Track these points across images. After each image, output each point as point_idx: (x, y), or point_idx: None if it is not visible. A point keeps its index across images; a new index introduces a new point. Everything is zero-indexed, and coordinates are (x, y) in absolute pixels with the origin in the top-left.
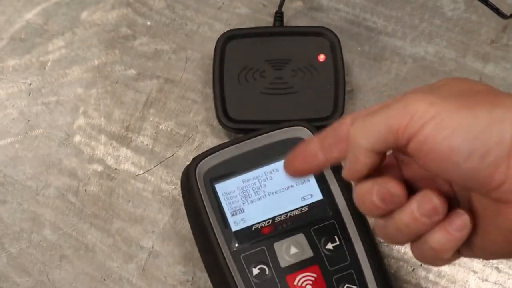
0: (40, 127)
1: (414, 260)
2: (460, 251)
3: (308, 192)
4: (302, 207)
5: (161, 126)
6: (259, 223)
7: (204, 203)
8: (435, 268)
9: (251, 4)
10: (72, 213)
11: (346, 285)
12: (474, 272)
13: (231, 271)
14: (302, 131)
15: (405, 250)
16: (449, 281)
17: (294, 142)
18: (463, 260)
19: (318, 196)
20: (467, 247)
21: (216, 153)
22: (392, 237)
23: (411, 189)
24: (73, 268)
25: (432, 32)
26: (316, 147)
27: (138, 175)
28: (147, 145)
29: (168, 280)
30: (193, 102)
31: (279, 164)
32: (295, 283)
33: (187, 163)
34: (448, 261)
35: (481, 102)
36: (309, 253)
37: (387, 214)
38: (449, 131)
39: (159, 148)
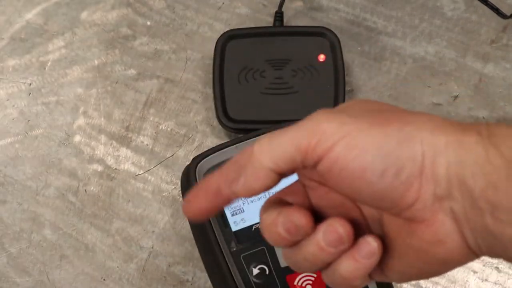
0: (40, 127)
1: None
2: (372, 275)
3: None
4: None
5: (161, 126)
6: (259, 223)
7: None
8: None
9: (251, 4)
10: (72, 213)
11: None
12: (474, 272)
13: (231, 271)
14: None
15: None
16: (449, 281)
17: None
18: None
19: None
20: (380, 271)
21: (216, 153)
22: (300, 266)
23: (319, 217)
24: (73, 268)
25: (432, 32)
26: (218, 181)
27: (138, 175)
28: (147, 145)
29: (168, 280)
30: (193, 102)
31: None
32: (295, 283)
33: (187, 163)
34: (360, 286)
35: (392, 121)
36: None
37: (293, 244)
38: (361, 149)
39: (159, 148)
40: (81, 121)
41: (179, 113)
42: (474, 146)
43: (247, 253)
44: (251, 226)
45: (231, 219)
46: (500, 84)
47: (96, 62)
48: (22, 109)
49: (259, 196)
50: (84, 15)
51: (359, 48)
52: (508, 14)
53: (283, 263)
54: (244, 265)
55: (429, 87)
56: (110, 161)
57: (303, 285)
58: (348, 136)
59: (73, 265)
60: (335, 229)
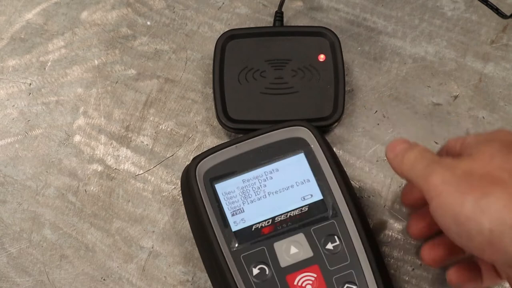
0: (40, 127)
1: (414, 260)
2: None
3: (308, 192)
4: (302, 207)
5: (161, 126)
6: (259, 223)
7: (204, 203)
8: (435, 268)
9: (251, 4)
10: (72, 213)
11: (346, 285)
12: None
13: (231, 271)
14: (302, 131)
15: (405, 250)
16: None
17: (294, 142)
18: None
19: (318, 196)
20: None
21: (216, 153)
22: None
23: None
24: (73, 268)
25: (432, 32)
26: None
27: (138, 175)
28: (147, 145)
29: (168, 280)
30: (193, 102)
31: (279, 164)
32: (295, 283)
33: (187, 163)
34: None
35: (476, 188)
36: (309, 253)
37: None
38: (443, 211)
39: (159, 148)
40: (81, 121)
41: (179, 113)
42: None
43: (247, 253)
44: (251, 226)
45: (231, 219)
46: (500, 84)
47: (96, 62)
48: (22, 109)
49: (259, 196)
50: (84, 15)
51: (359, 48)
52: (508, 14)
53: (283, 263)
54: (244, 265)
55: (429, 87)
56: (110, 161)
57: (303, 285)
58: (440, 196)
59: (73, 265)
60: None
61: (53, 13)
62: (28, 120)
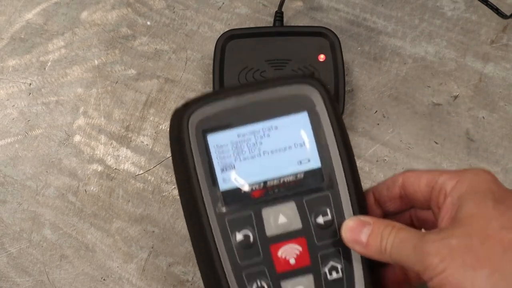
0: (40, 127)
1: None
2: None
3: (306, 156)
4: (297, 173)
5: (161, 126)
6: (250, 184)
7: (194, 155)
8: None
9: (251, 4)
10: (72, 213)
11: (331, 263)
12: None
13: (214, 234)
14: (309, 90)
15: None
16: None
17: (299, 99)
18: None
19: (316, 163)
20: None
21: (212, 102)
22: None
23: None
24: (73, 268)
25: (432, 32)
26: (370, 196)
27: (138, 175)
28: (147, 145)
29: (168, 280)
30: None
31: (279, 121)
32: (279, 254)
33: None
34: None
35: (485, 262)
36: (297, 224)
37: None
38: None
39: (159, 148)
40: (81, 121)
41: None
42: None
43: (232, 216)
44: (240, 188)
45: (220, 176)
46: (500, 84)
47: (96, 62)
48: (22, 109)
49: (253, 154)
50: (84, 15)
51: (359, 48)
52: (508, 14)
53: (269, 231)
54: (228, 229)
55: (429, 87)
56: (110, 161)
57: (286, 257)
58: (444, 273)
59: (73, 265)
60: None
61: (53, 13)
62: (28, 120)
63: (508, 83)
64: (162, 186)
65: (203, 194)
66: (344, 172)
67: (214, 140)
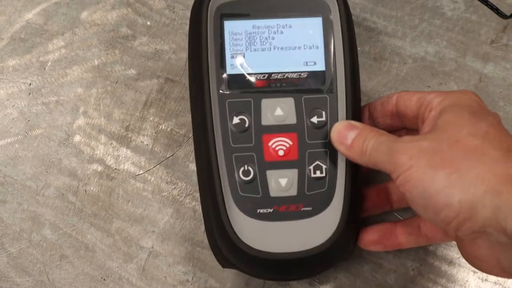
0: (40, 127)
1: (414, 260)
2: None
3: (312, 58)
4: (301, 72)
5: (161, 126)
6: (255, 74)
7: (208, 35)
8: (435, 268)
9: None
10: (72, 213)
11: (317, 162)
12: (474, 272)
13: (213, 112)
14: None
15: (405, 250)
16: (449, 281)
17: (317, 4)
18: (463, 260)
19: (321, 66)
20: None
21: None
22: None
23: None
24: (73, 268)
25: (432, 32)
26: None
27: (138, 175)
28: (147, 145)
29: (168, 280)
30: None
31: (294, 21)
32: (269, 143)
33: (187, 163)
34: None
35: (448, 163)
36: (292, 119)
37: None
38: (410, 186)
39: (159, 148)
40: (81, 121)
41: (179, 113)
42: (510, 195)
43: (233, 99)
44: (245, 75)
45: (228, 61)
46: (500, 84)
47: (96, 62)
48: (22, 109)
49: (263, 47)
50: (84, 15)
51: (359, 48)
52: (508, 14)
53: (264, 121)
54: (227, 110)
55: (429, 87)
56: (110, 161)
57: (276, 148)
58: (409, 170)
59: (73, 265)
60: None
61: (53, 13)
62: (28, 120)
63: (508, 83)
64: (162, 186)
65: (209, 74)
66: (345, 79)
67: (230, 26)
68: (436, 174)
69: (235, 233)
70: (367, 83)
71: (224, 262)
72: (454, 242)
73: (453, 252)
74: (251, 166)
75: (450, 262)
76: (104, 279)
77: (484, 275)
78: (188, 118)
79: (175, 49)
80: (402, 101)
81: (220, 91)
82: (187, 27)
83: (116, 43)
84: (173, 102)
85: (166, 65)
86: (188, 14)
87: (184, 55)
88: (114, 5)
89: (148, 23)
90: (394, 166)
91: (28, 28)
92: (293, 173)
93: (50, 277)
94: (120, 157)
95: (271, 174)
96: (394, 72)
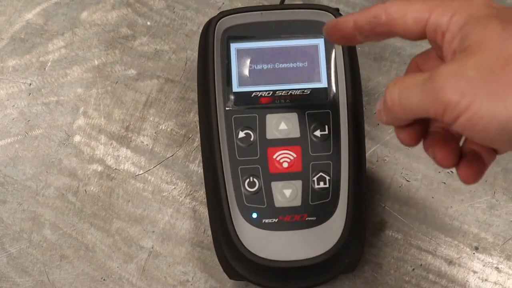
0: (40, 127)
1: (414, 260)
2: None
3: (315, 77)
4: (305, 89)
5: (161, 126)
6: (260, 91)
7: (215, 57)
8: (435, 268)
9: (251, 5)
10: (72, 213)
11: (320, 173)
12: (474, 272)
13: (219, 127)
14: (329, 18)
15: (405, 250)
16: (449, 281)
17: (319, 25)
18: (463, 260)
19: (323, 83)
20: None
21: (241, 14)
22: None
23: None
24: (73, 268)
25: None
26: (350, 24)
27: (138, 175)
28: (147, 145)
29: (168, 280)
30: (193, 102)
31: (297, 42)
32: (274, 156)
33: (187, 163)
34: None
35: (510, 87)
36: (296, 133)
37: None
38: (483, 124)
39: (159, 148)
40: (81, 121)
41: (179, 113)
42: None
43: (239, 115)
44: (251, 92)
45: (235, 80)
46: None
47: (96, 62)
48: (22, 109)
49: (268, 66)
50: (84, 15)
51: (359, 48)
52: None
53: (269, 135)
54: (233, 125)
55: None
56: (110, 161)
57: (281, 160)
58: (470, 109)
59: (73, 265)
60: None
61: (53, 13)
62: (28, 120)
63: None
64: (162, 186)
65: (216, 91)
66: (347, 95)
67: (236, 47)
68: (506, 102)
69: (241, 242)
70: (367, 83)
71: (231, 272)
72: (454, 242)
73: (453, 252)
74: (256, 178)
75: (450, 262)
76: (104, 279)
77: (484, 275)
78: (188, 118)
79: (175, 49)
80: (396, 24)
81: (227, 108)
82: (187, 27)
83: (116, 43)
84: (173, 102)
85: (166, 65)
86: (188, 14)
87: (184, 55)
88: (114, 5)
89: (148, 23)
90: (443, 107)
91: (28, 28)
92: (297, 184)
93: (50, 277)
94: (120, 157)
95: (276, 186)
96: (394, 72)
